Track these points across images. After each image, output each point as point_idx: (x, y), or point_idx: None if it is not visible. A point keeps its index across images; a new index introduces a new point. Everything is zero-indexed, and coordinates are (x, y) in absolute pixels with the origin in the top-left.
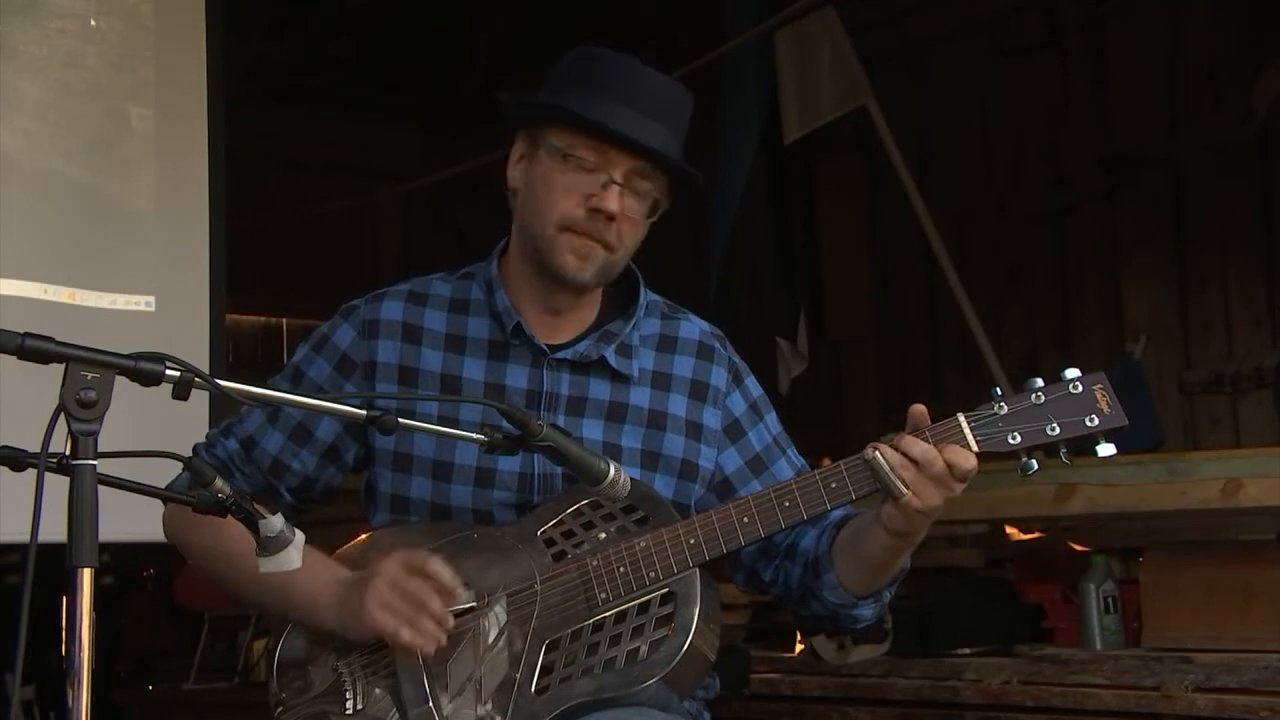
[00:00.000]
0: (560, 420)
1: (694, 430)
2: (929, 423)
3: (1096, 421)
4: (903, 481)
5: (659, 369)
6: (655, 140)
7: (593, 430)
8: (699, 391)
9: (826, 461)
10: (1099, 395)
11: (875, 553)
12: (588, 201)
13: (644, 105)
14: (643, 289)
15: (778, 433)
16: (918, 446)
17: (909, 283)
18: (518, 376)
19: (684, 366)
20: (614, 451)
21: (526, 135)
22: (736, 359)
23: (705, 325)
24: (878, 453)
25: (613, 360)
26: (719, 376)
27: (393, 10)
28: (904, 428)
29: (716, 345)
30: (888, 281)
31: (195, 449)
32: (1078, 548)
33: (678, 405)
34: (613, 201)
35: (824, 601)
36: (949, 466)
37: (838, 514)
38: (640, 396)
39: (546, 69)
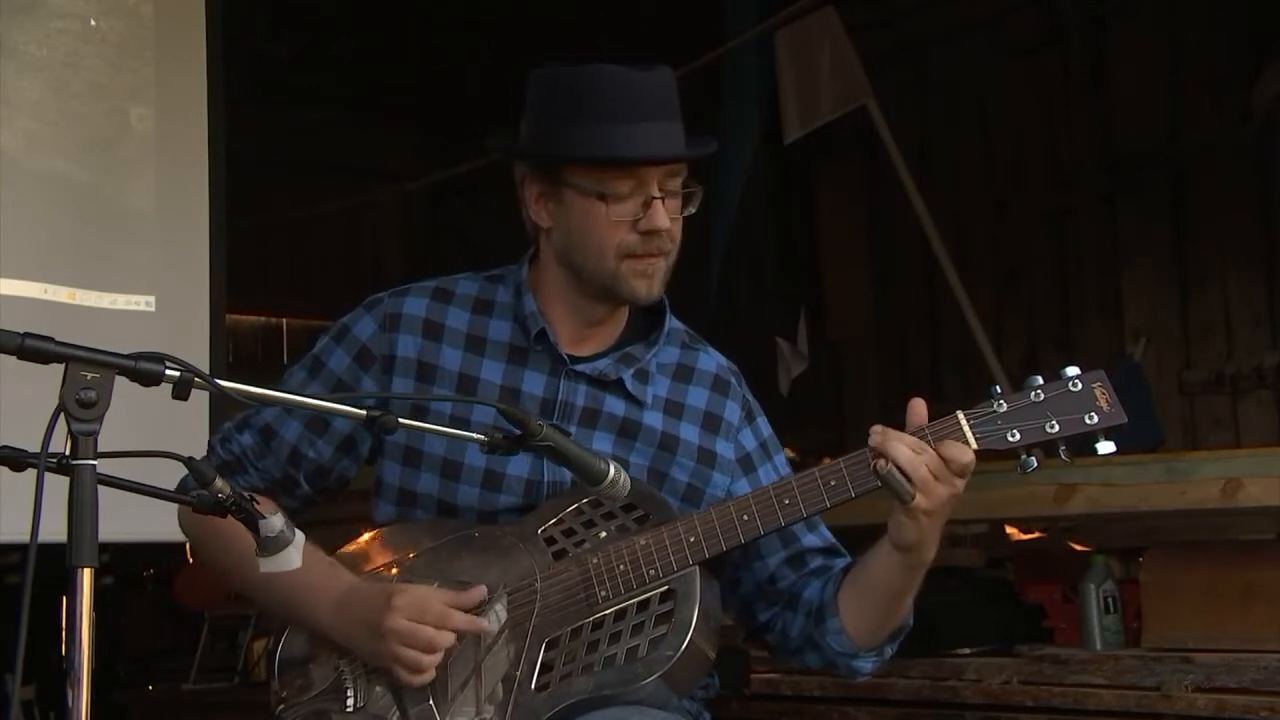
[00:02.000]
0: (572, 430)
1: (706, 458)
2: (926, 419)
3: (1096, 419)
4: (910, 482)
5: (673, 397)
6: (668, 140)
7: (603, 444)
8: (711, 424)
9: (826, 461)
10: (1098, 393)
11: (884, 578)
12: (637, 226)
13: (644, 110)
14: (668, 316)
15: (785, 475)
16: (909, 443)
17: (909, 283)
18: (535, 383)
19: (698, 398)
20: (622, 466)
21: (539, 174)
22: (750, 397)
23: (723, 360)
24: (890, 466)
25: (629, 384)
26: (732, 411)
27: (393, 10)
28: (904, 427)
29: (732, 381)
30: (888, 281)
31: (210, 444)
32: (1078, 548)
33: (690, 433)
34: (662, 218)
35: (824, 650)
36: (945, 461)
37: (841, 565)
38: (653, 420)
39: (523, 92)
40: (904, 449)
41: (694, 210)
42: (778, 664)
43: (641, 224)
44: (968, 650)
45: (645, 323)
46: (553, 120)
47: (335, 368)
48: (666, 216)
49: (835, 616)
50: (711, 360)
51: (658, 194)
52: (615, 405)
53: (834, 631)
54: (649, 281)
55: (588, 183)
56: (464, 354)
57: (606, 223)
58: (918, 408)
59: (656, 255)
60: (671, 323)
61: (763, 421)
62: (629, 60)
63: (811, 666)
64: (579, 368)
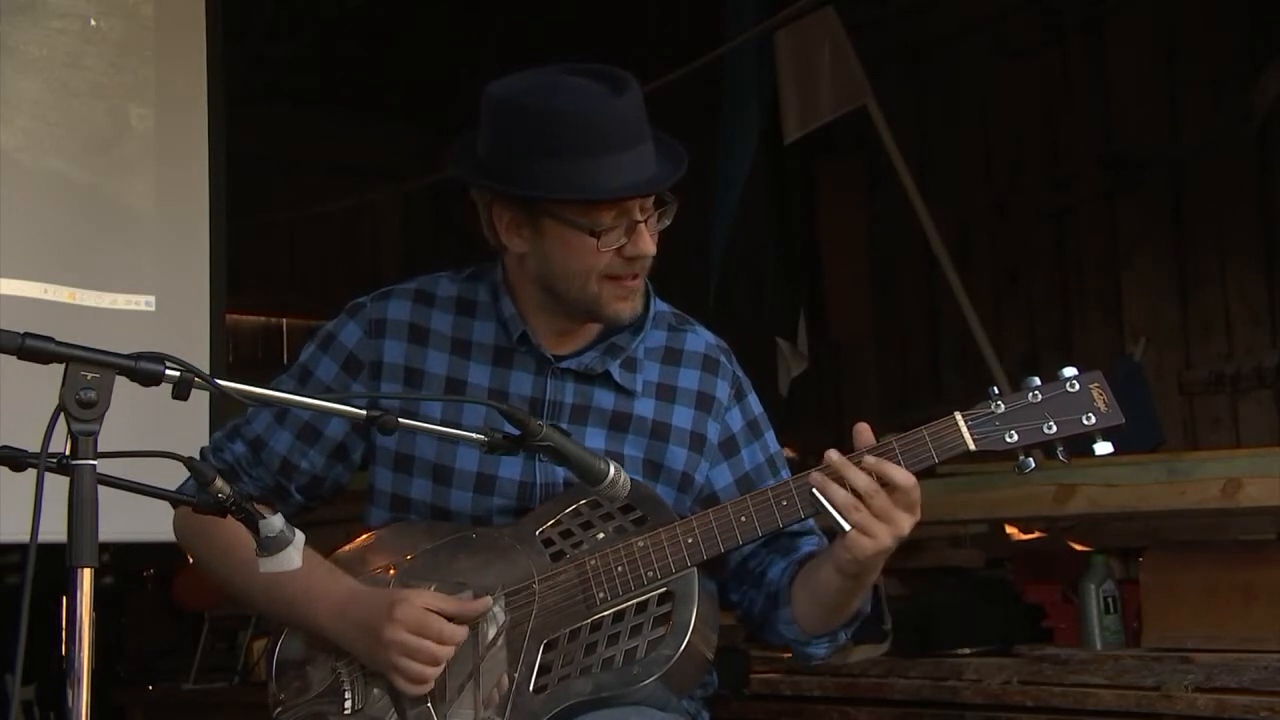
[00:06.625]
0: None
1: (697, 443)
2: (873, 442)
3: (1093, 420)
4: (848, 521)
5: (664, 381)
6: (646, 166)
7: (595, 439)
8: (703, 403)
9: None
10: (1096, 394)
11: (828, 593)
12: (623, 251)
13: (621, 139)
14: (653, 300)
15: (774, 452)
16: (850, 471)
17: (909, 283)
18: (522, 383)
19: (689, 379)
20: (616, 460)
21: (512, 202)
22: (740, 374)
23: (712, 338)
24: (817, 491)
25: (617, 374)
26: (722, 389)
27: (394, 10)
28: (904, 428)
29: (722, 359)
30: (888, 281)
31: (201, 453)
32: (1078, 548)
33: (682, 417)
34: (648, 243)
35: (780, 634)
36: (884, 484)
37: (807, 548)
38: (644, 408)
39: (480, 116)
40: (825, 478)
41: (669, 223)
42: (773, 653)
43: (627, 249)
44: (968, 650)
45: None
46: (525, 151)
47: (324, 376)
48: (651, 241)
49: (787, 606)
50: (700, 339)
51: (640, 218)
52: (604, 398)
53: (785, 621)
54: (631, 304)
55: (573, 216)
56: (450, 357)
57: (593, 252)
58: (863, 433)
59: (638, 276)
60: (658, 306)
61: (753, 399)
62: (592, 57)
63: (773, 643)
64: (564, 364)
